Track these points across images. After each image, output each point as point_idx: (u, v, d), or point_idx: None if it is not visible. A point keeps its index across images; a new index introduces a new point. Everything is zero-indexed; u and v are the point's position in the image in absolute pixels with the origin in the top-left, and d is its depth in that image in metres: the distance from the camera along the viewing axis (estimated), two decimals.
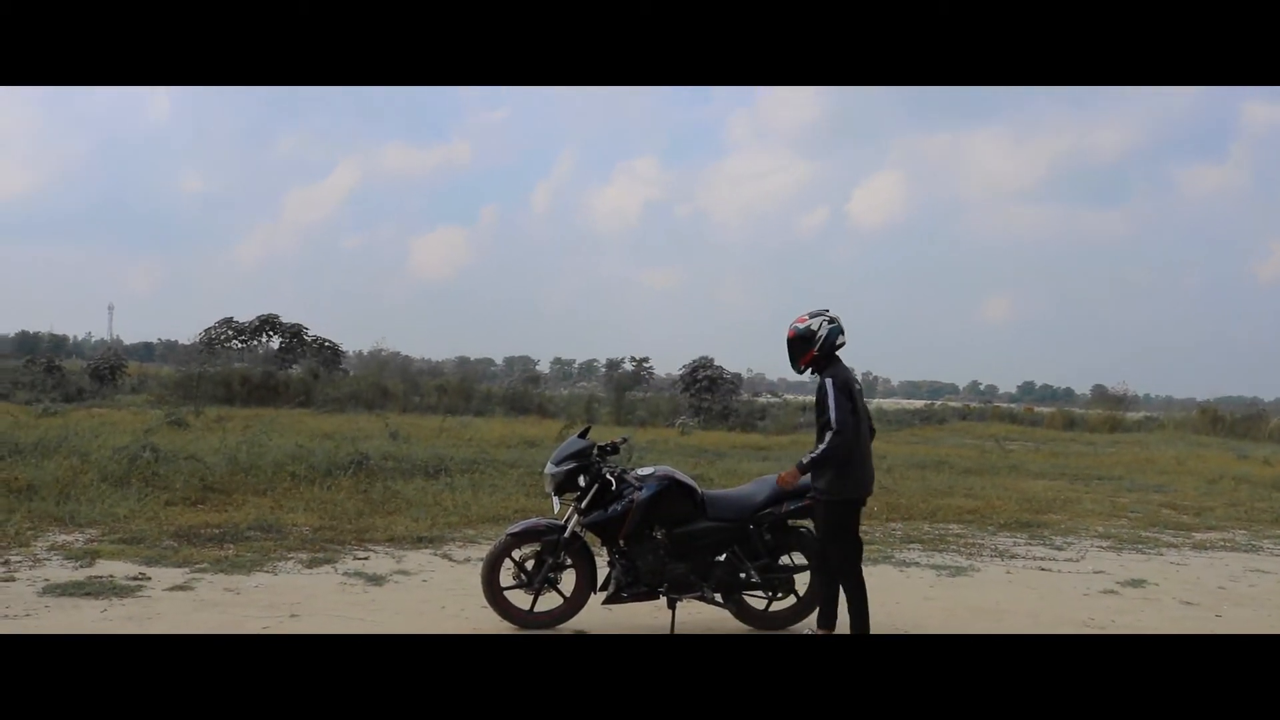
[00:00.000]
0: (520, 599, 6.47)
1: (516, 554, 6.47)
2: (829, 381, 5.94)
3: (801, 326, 6.08)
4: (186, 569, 7.60)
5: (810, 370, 6.14)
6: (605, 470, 6.44)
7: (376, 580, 7.61)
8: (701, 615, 6.81)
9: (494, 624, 6.43)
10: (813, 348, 6.05)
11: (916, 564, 9.21)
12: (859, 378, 6.18)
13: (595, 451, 6.51)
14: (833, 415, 5.85)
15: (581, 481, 6.38)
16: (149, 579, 7.24)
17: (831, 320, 6.07)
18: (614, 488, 6.38)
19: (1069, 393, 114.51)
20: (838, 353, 6.12)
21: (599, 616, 6.67)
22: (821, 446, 5.89)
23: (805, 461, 5.98)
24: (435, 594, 7.29)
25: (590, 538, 6.58)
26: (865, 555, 8.94)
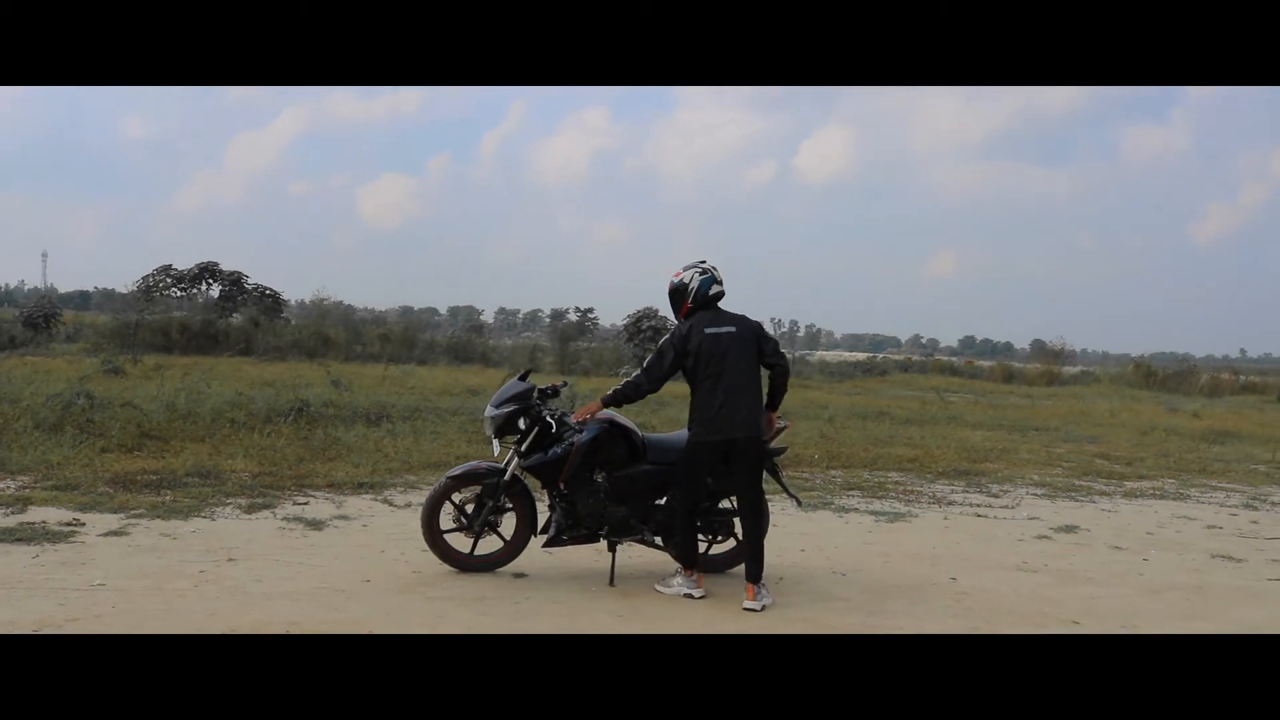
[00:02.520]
0: (460, 542, 6.46)
1: (456, 497, 6.45)
2: (672, 332, 6.18)
3: (676, 280, 6.26)
4: (122, 515, 7.49)
5: None
6: (545, 413, 6.42)
7: (316, 525, 7.56)
8: (642, 558, 6.85)
9: (435, 567, 6.42)
10: (687, 299, 6.22)
11: (856, 510, 9.33)
12: (772, 324, 6.31)
13: (536, 394, 6.48)
14: (645, 360, 6.20)
15: (521, 424, 6.36)
16: (83, 525, 7.12)
17: (704, 272, 6.23)
18: (554, 430, 6.37)
19: (1009, 347, 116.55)
20: (719, 303, 6.26)
21: (539, 560, 6.69)
22: (620, 384, 6.28)
23: (607, 395, 6.27)
24: (375, 538, 7.26)
25: (531, 481, 6.58)
26: (805, 500, 9.12)
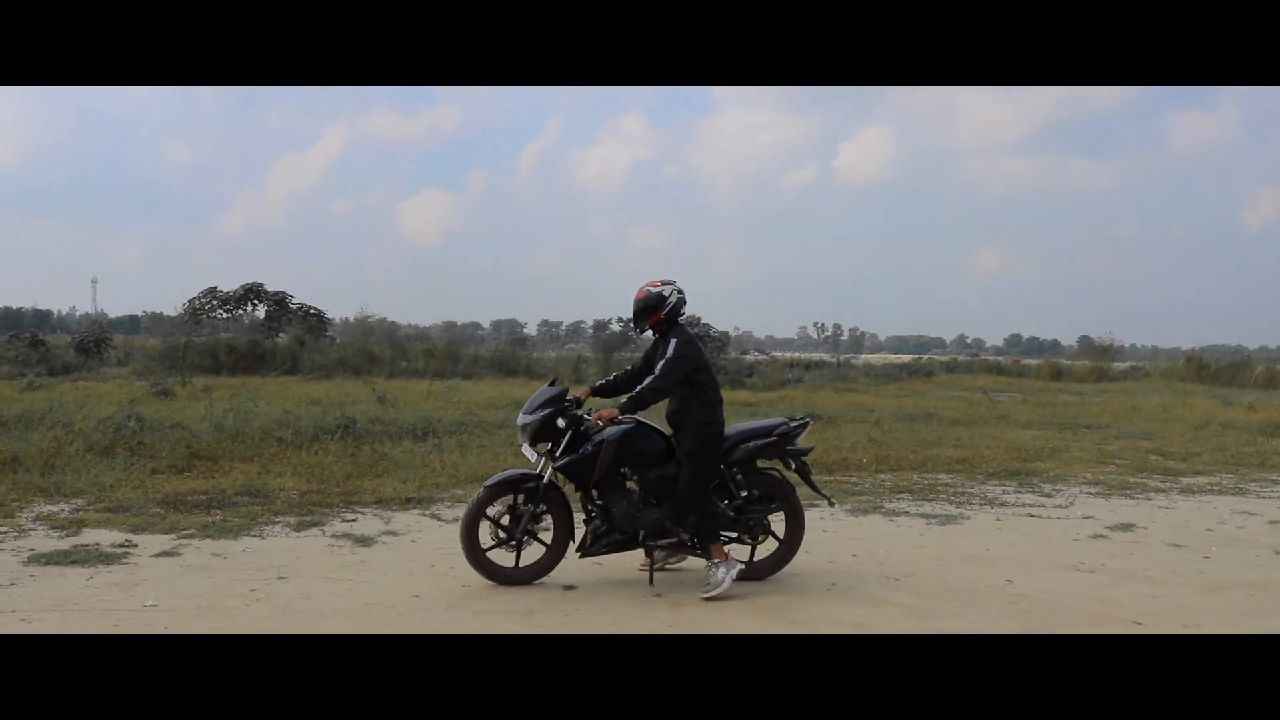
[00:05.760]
0: (502, 557, 6.44)
1: (491, 512, 6.41)
2: (673, 341, 6.42)
3: (654, 291, 6.53)
4: (173, 535, 7.56)
5: (653, 332, 6.66)
6: (582, 413, 6.44)
7: (365, 541, 7.58)
8: (687, 566, 6.79)
9: (483, 581, 6.38)
10: (661, 311, 6.49)
11: (906, 513, 9.21)
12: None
13: (567, 397, 6.49)
14: (659, 367, 6.41)
15: (560, 423, 6.36)
16: (135, 546, 7.18)
17: (680, 291, 6.55)
18: (584, 428, 6.37)
19: (1055, 344, 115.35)
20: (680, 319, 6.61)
21: (588, 572, 6.66)
22: (639, 389, 6.41)
23: (625, 403, 6.37)
24: (424, 553, 7.26)
25: (569, 490, 6.57)
26: (857, 505, 9.02)
